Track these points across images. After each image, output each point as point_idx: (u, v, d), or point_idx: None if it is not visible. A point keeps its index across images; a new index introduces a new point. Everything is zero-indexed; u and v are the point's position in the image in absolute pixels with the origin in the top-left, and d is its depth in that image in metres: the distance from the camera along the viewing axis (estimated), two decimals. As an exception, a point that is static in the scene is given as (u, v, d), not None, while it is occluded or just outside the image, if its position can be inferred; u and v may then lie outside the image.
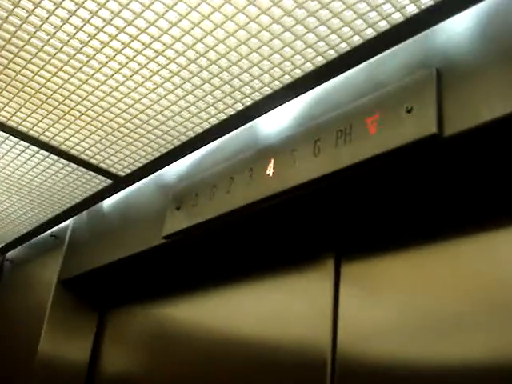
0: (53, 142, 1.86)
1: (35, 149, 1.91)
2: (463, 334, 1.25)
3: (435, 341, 1.28)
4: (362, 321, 1.46)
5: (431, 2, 1.14)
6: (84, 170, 2.01)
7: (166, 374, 2.08)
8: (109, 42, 1.37)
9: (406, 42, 1.29)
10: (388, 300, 1.44)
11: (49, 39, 1.38)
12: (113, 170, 1.99)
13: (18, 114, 1.72)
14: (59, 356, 2.39)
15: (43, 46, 1.41)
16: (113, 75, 1.48)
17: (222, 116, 1.61)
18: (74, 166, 1.99)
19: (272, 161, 1.51)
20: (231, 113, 1.59)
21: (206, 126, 1.66)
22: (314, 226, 1.65)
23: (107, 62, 1.44)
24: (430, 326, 1.31)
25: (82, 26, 1.33)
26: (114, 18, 1.28)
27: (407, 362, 1.33)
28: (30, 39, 1.39)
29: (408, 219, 1.46)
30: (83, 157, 1.92)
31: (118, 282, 2.45)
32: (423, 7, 1.16)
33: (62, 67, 1.48)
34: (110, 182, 2.09)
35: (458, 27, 1.21)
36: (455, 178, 1.30)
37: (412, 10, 1.17)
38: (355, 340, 1.45)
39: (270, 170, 1.50)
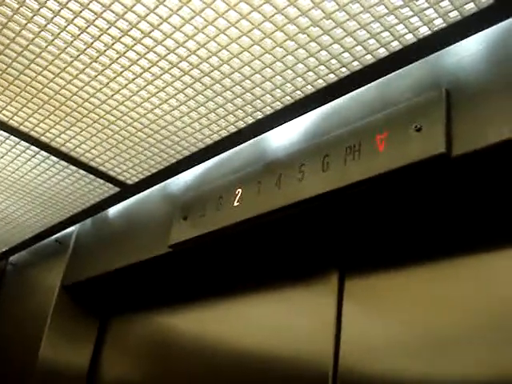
0: (63, 148, 1.87)
1: (45, 154, 1.93)
2: (466, 351, 1.26)
3: (438, 358, 1.29)
4: (364, 336, 1.47)
5: (443, 25, 1.17)
6: (92, 176, 2.03)
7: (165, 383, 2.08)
8: (124, 53, 1.39)
9: (417, 62, 1.31)
10: (391, 317, 1.45)
11: (66, 47, 1.41)
12: (121, 177, 2.01)
13: (31, 119, 1.74)
14: (60, 361, 2.39)
15: (60, 54, 1.43)
16: (127, 85, 1.50)
17: (233, 129, 1.62)
18: (83, 172, 2.01)
19: (280, 174, 1.53)
20: (241, 126, 1.60)
21: (216, 138, 1.67)
22: (319, 241, 1.66)
23: (122, 72, 1.46)
24: (433, 343, 1.32)
25: (100, 36, 1.35)
26: (131, 29, 1.31)
27: (409, 379, 1.34)
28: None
29: (414, 237, 1.47)
30: (92, 164, 1.94)
31: (121, 290, 2.46)
32: (435, 29, 1.18)
33: (77, 75, 1.50)
34: (117, 189, 2.11)
35: (468, 50, 1.24)
36: (462, 197, 1.32)
37: (424, 31, 1.19)
38: (357, 355, 1.46)
39: (278, 184, 1.52)
